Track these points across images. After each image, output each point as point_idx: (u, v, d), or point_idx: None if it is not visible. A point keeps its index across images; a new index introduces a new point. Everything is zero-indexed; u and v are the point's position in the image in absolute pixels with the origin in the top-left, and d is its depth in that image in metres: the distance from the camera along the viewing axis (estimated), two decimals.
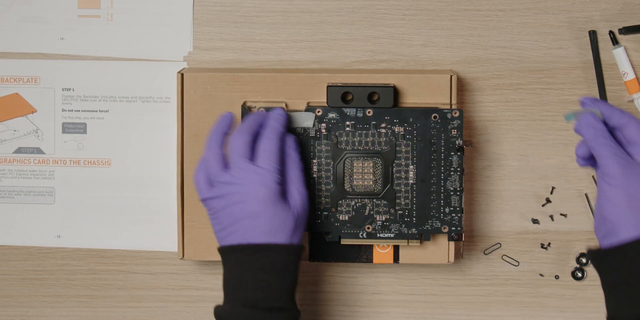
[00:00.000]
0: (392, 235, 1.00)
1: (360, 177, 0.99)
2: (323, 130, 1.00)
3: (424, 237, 1.01)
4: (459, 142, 0.99)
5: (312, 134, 1.00)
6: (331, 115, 0.99)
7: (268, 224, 0.92)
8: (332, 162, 1.00)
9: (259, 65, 1.07)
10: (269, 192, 0.92)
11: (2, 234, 1.09)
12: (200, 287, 1.08)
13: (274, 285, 0.91)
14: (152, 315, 1.09)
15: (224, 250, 0.94)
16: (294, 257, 0.93)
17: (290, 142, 0.97)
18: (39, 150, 1.09)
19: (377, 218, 0.99)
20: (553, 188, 1.06)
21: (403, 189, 0.99)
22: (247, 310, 0.90)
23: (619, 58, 1.05)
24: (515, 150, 1.06)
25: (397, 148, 0.99)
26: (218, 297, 1.07)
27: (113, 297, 1.09)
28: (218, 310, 0.93)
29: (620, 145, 0.89)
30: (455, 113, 0.99)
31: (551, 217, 1.07)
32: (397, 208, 0.99)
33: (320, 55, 1.07)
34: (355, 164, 0.99)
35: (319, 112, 0.99)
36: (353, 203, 1.00)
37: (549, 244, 1.07)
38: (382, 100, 0.99)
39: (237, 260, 0.93)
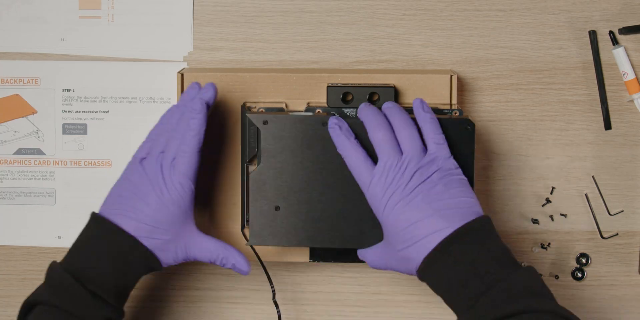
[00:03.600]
0: None
1: None
2: None
3: None
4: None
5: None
6: (330, 115, 0.99)
7: (149, 223, 0.92)
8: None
9: (259, 65, 1.07)
10: (168, 196, 0.92)
11: (3, 234, 1.09)
12: (200, 287, 1.08)
13: (103, 268, 0.91)
14: (153, 315, 1.09)
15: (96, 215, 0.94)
16: (123, 248, 0.92)
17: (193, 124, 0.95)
18: (39, 151, 1.09)
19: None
20: (553, 188, 1.06)
21: None
22: (73, 281, 0.90)
23: (619, 58, 1.05)
24: (515, 150, 1.06)
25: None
26: (218, 297, 1.07)
27: None
28: (50, 266, 0.92)
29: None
30: (455, 113, 0.98)
31: (551, 217, 1.07)
32: None
33: (320, 55, 1.07)
34: None
35: (318, 112, 0.99)
36: None
37: (549, 244, 1.07)
38: (382, 100, 0.99)
39: (91, 227, 0.93)
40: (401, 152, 0.91)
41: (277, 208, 0.96)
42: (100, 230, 0.92)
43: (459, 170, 0.91)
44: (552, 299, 0.86)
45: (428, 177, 0.89)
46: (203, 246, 0.94)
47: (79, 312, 0.89)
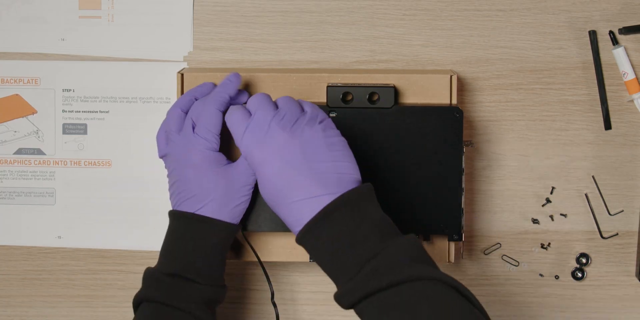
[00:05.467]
0: None
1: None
2: None
3: (424, 237, 1.00)
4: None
5: None
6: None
7: (198, 191, 0.92)
8: None
9: (259, 65, 1.07)
10: (198, 158, 0.92)
11: (3, 234, 1.09)
12: None
13: (191, 256, 0.92)
14: None
15: (169, 214, 0.95)
16: (213, 232, 0.93)
17: None
18: (39, 151, 1.09)
19: None
20: (553, 188, 1.06)
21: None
22: (166, 277, 0.91)
23: (619, 58, 1.05)
24: (515, 150, 1.06)
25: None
26: None
27: (113, 297, 1.09)
28: (145, 272, 0.94)
29: None
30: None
31: (551, 217, 1.07)
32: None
33: (320, 55, 1.07)
34: None
35: None
36: None
37: (549, 244, 1.07)
38: (382, 100, 0.99)
39: (170, 225, 0.94)
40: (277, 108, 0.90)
41: None
42: (171, 221, 0.94)
43: (339, 132, 0.90)
44: (434, 267, 0.84)
45: (309, 130, 0.88)
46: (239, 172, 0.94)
47: (167, 299, 0.90)
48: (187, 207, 0.93)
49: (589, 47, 1.06)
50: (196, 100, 0.96)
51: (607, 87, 1.05)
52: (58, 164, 1.08)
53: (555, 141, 1.06)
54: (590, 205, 1.06)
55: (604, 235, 1.06)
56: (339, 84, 1.00)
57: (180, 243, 0.92)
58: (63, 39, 1.08)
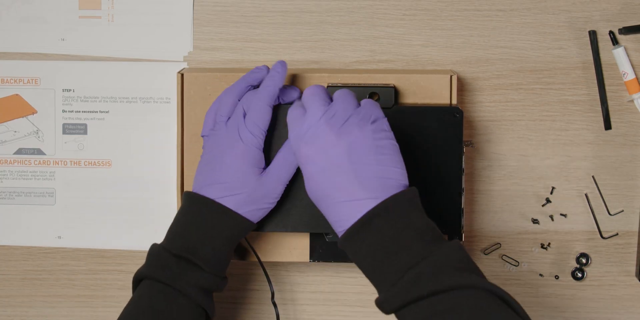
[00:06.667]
0: None
1: None
2: None
3: None
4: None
5: None
6: None
7: (229, 181, 0.92)
8: None
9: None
10: (240, 150, 0.92)
11: (3, 234, 1.09)
12: None
13: (202, 243, 0.91)
14: None
15: (185, 194, 0.95)
16: (230, 225, 0.92)
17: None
18: (39, 151, 1.09)
19: None
20: (553, 188, 1.06)
21: None
22: (172, 257, 0.91)
23: (619, 58, 1.05)
24: (515, 150, 1.06)
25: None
26: (218, 297, 1.07)
27: (113, 297, 1.09)
28: (152, 248, 0.93)
29: None
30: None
31: (551, 217, 1.07)
32: None
33: (320, 55, 1.07)
34: None
35: None
36: None
37: (549, 244, 1.07)
38: (382, 100, 0.99)
39: (186, 206, 0.93)
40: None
41: None
42: (187, 203, 0.93)
43: (391, 135, 0.88)
44: (478, 274, 0.83)
45: (359, 132, 0.86)
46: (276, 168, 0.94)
47: (169, 281, 0.89)
48: (211, 192, 0.92)
49: (589, 47, 1.06)
50: (252, 87, 0.96)
51: (607, 87, 1.05)
52: (58, 164, 1.09)
53: (555, 141, 1.06)
54: (590, 205, 1.06)
55: (604, 235, 1.06)
56: (339, 84, 1.00)
57: (194, 227, 0.92)
58: (63, 39, 1.08)
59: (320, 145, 0.86)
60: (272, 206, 0.94)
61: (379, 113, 0.88)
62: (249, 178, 0.92)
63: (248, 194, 0.92)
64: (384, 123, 0.88)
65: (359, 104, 0.89)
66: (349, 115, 0.87)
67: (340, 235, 0.86)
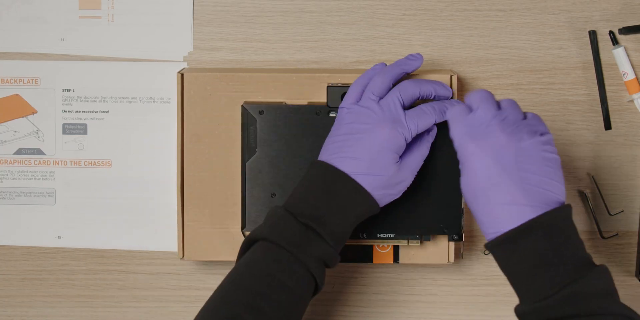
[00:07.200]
0: (392, 235, 1.00)
1: None
2: None
3: (424, 237, 1.01)
4: None
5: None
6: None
7: (367, 159, 0.91)
8: None
9: (259, 65, 1.07)
10: (384, 133, 0.91)
11: (3, 234, 1.09)
12: (200, 287, 1.08)
13: (332, 216, 0.90)
14: (152, 315, 1.09)
15: (314, 162, 0.93)
16: (362, 205, 0.91)
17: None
18: (39, 151, 1.09)
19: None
20: None
21: None
22: (299, 224, 0.89)
23: (619, 58, 1.05)
24: None
25: None
26: None
27: (113, 297, 1.09)
28: (275, 209, 0.92)
29: None
30: None
31: None
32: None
33: (320, 55, 1.07)
34: None
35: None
36: None
37: None
38: None
39: (320, 175, 0.92)
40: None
41: (272, 195, 0.99)
42: (317, 172, 0.92)
43: (556, 150, 0.89)
44: (619, 301, 0.85)
45: (528, 139, 0.87)
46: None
47: (292, 248, 0.88)
48: (345, 166, 0.91)
49: (589, 47, 1.06)
50: (406, 74, 0.97)
51: (607, 87, 1.05)
52: (58, 164, 1.09)
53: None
54: (590, 205, 1.06)
55: (604, 235, 1.06)
56: (339, 84, 1.00)
57: (326, 199, 0.90)
58: (63, 39, 1.08)
59: (490, 143, 0.87)
60: (400, 195, 0.94)
61: (546, 128, 0.90)
62: (389, 162, 0.91)
63: (388, 178, 0.91)
64: (551, 138, 0.89)
65: (525, 116, 0.90)
66: (518, 122, 0.88)
67: (490, 236, 0.87)
